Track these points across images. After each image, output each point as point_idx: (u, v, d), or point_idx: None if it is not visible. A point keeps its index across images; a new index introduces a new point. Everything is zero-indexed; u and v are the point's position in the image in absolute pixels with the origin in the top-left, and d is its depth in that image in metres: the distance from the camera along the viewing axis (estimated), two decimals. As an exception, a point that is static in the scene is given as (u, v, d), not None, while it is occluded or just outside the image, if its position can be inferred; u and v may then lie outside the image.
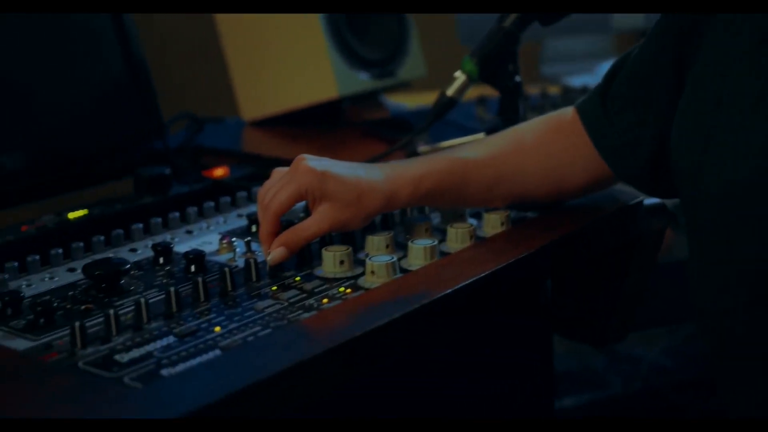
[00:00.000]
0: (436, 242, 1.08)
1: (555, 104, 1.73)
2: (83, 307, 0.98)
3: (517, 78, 1.36)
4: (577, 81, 2.03)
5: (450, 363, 1.12)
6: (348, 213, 1.06)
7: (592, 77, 2.07)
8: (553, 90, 1.87)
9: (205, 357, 0.87)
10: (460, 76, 1.36)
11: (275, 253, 1.05)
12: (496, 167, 1.14)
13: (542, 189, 1.16)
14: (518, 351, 1.20)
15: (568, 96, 1.79)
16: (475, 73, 1.34)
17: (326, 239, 1.11)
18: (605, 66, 2.16)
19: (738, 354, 0.99)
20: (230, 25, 1.70)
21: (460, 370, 1.14)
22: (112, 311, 0.91)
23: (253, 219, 1.19)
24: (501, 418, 1.14)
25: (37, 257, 1.07)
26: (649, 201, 1.23)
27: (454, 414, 1.13)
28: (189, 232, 1.19)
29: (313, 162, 1.07)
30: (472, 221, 1.17)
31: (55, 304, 0.96)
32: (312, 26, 1.61)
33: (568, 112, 1.18)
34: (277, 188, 1.07)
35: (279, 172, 1.12)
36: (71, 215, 1.25)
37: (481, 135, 1.40)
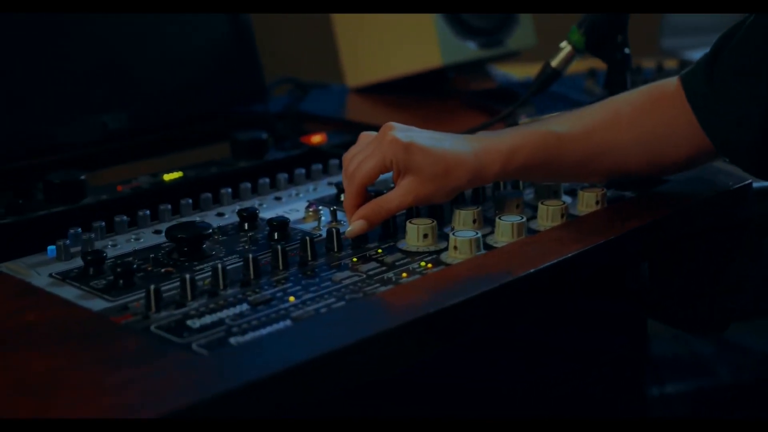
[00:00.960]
0: (524, 219, 1.04)
1: (668, 77, 1.65)
2: (163, 270, 0.98)
3: (626, 50, 1.30)
4: (697, 55, 1.94)
5: (534, 343, 1.09)
6: (433, 187, 1.03)
7: (714, 51, 1.98)
8: (670, 64, 1.79)
9: (274, 327, 0.86)
10: (565, 47, 1.31)
11: (354, 225, 1.03)
12: (591, 141, 1.09)
13: (640, 163, 1.10)
14: (607, 334, 1.16)
15: (683, 69, 1.71)
16: (581, 44, 1.29)
17: (413, 212, 1.08)
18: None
19: None
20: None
21: (544, 352, 1.10)
22: (188, 276, 0.91)
23: (341, 188, 1.17)
24: (586, 404, 1.10)
25: (125, 218, 1.08)
26: (758, 184, 1.16)
27: (535, 396, 1.10)
28: (278, 198, 1.19)
29: (399, 133, 1.04)
30: (566, 198, 1.13)
31: (136, 266, 0.96)
32: (418, -8, 1.58)
33: (671, 83, 1.12)
34: (361, 158, 1.05)
35: (366, 136, 1.09)
36: (166, 177, 1.26)
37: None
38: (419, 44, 1.60)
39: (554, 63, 1.32)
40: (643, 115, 1.10)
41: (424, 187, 1.03)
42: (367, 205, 1.04)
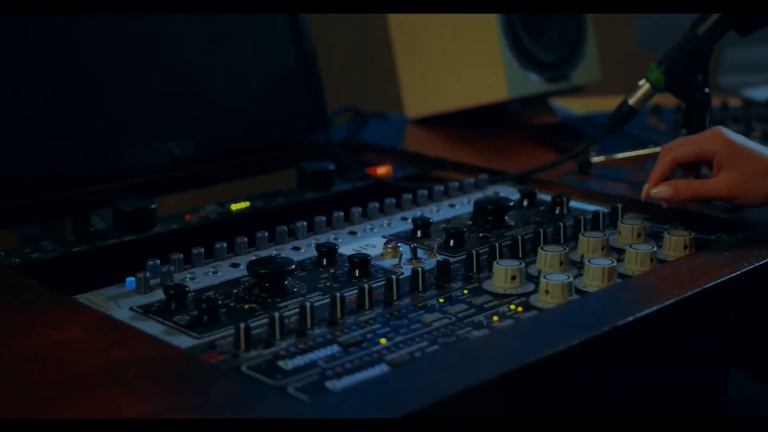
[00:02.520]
0: (614, 263, 1.01)
1: (736, 118, 1.63)
2: (247, 306, 0.95)
3: (707, 90, 1.27)
4: (758, 94, 1.91)
5: (618, 387, 1.05)
6: (750, 185, 1.07)
7: (774, 90, 1.95)
8: (734, 102, 1.76)
9: (371, 371, 0.83)
10: (644, 85, 1.28)
11: (662, 189, 1.09)
12: None
13: None
14: (692, 379, 1.13)
15: (749, 110, 1.68)
16: (661, 83, 1.26)
17: (500, 252, 1.05)
18: (789, 79, 2.05)
19: None
20: (401, 21, 1.67)
21: (628, 395, 1.07)
22: (277, 314, 0.88)
23: (418, 224, 1.15)
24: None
25: (202, 250, 1.05)
26: None
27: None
28: (352, 232, 1.16)
29: (726, 131, 1.10)
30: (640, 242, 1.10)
31: (220, 302, 0.93)
32: (487, 24, 1.55)
33: None
34: (686, 141, 1.11)
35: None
36: (234, 207, 1.24)
37: (658, 149, 1.32)
38: (485, 76, 1.57)
39: (632, 101, 1.29)
40: None
41: (741, 184, 1.07)
42: (683, 180, 1.11)
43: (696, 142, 1.11)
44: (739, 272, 1.00)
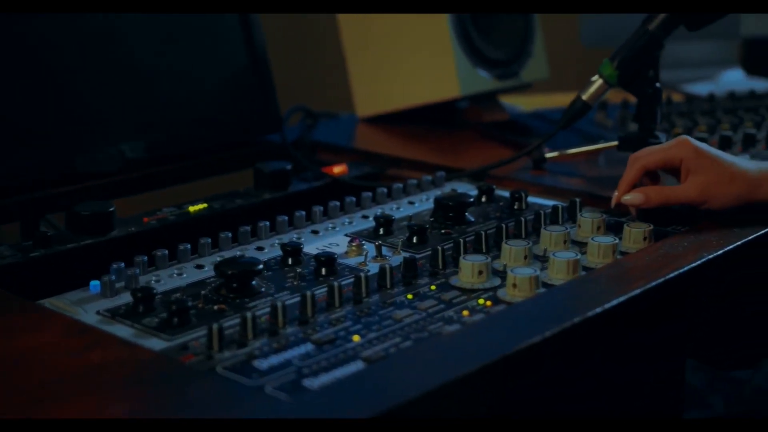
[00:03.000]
0: (579, 256, 1.02)
1: (681, 112, 1.66)
2: (216, 307, 0.94)
3: (657, 84, 1.29)
4: (698, 88, 1.95)
5: (587, 379, 1.07)
6: (717, 190, 1.11)
7: (714, 85, 1.99)
8: (677, 97, 1.79)
9: (348, 368, 0.82)
10: (596, 80, 1.30)
11: (634, 196, 1.12)
12: None
13: None
14: (651, 368, 1.14)
15: (693, 105, 1.72)
16: (613, 78, 1.28)
17: (465, 248, 1.06)
18: (728, 74, 2.10)
19: None
20: (350, 20, 1.67)
21: (596, 387, 1.08)
22: (249, 314, 0.88)
23: (381, 222, 1.15)
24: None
25: (166, 252, 1.04)
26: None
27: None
28: (315, 231, 1.16)
29: (692, 139, 1.13)
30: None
31: (189, 303, 0.92)
32: (438, 22, 1.56)
33: None
34: (653, 149, 1.14)
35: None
36: (192, 209, 1.23)
37: (614, 143, 1.34)
38: (437, 74, 1.58)
39: (585, 96, 1.31)
40: None
41: (708, 189, 1.11)
42: (652, 186, 1.14)
43: (664, 150, 1.14)
44: (699, 261, 1.02)
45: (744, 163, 1.13)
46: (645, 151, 1.16)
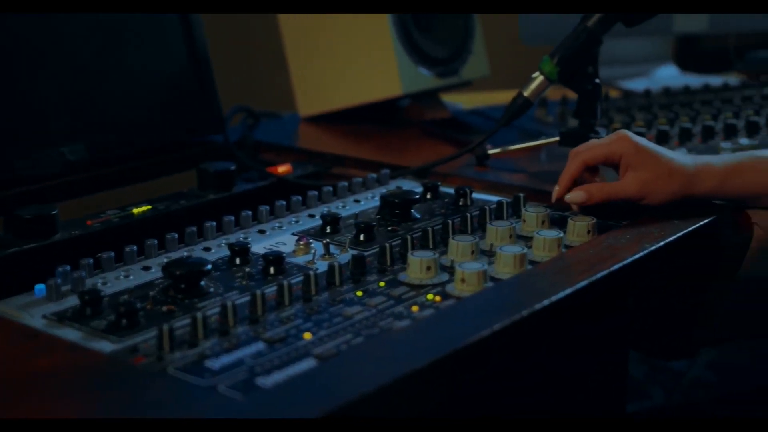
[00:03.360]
0: (525, 250, 1.04)
1: (619, 108, 1.69)
2: (165, 308, 0.94)
3: (597, 80, 1.31)
4: (634, 85, 1.99)
5: (534, 372, 1.08)
6: (655, 185, 1.13)
7: (648, 81, 2.03)
8: (614, 93, 1.82)
9: (300, 366, 0.83)
10: (537, 77, 1.32)
11: (576, 194, 1.14)
12: None
13: None
14: (596, 360, 1.17)
15: (630, 100, 1.75)
16: (554, 74, 1.30)
17: (412, 244, 1.07)
18: (662, 70, 2.14)
19: None
20: (291, 20, 1.67)
21: (543, 380, 1.10)
22: (200, 314, 0.87)
23: (327, 220, 1.15)
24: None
25: (112, 254, 1.03)
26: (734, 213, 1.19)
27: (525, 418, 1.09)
28: (262, 231, 1.15)
29: (632, 135, 1.15)
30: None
31: (138, 305, 0.91)
32: (378, 21, 1.57)
33: None
34: (595, 144, 1.16)
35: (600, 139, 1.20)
36: (136, 210, 1.22)
37: (555, 139, 1.36)
38: (378, 73, 1.59)
39: (527, 93, 1.33)
40: None
41: (648, 184, 1.13)
42: (591, 184, 1.15)
43: (604, 146, 1.15)
44: (641, 253, 1.04)
45: (682, 158, 1.16)
46: (585, 146, 1.18)
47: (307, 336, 0.89)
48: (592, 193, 1.15)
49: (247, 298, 0.94)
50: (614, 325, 1.18)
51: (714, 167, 1.15)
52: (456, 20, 1.67)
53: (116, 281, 1.00)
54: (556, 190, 1.17)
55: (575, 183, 1.18)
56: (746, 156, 1.18)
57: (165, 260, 1.03)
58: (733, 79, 2.02)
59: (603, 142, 1.16)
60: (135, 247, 1.05)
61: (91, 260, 1.01)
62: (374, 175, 1.33)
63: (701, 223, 1.14)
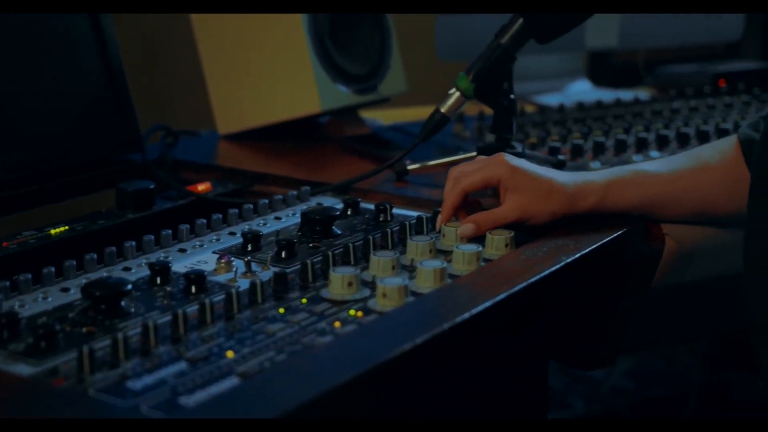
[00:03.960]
0: (445, 264, 1.05)
1: (534, 123, 1.72)
2: (84, 329, 0.93)
3: (512, 96, 1.34)
4: (548, 99, 2.03)
5: (454, 386, 1.10)
6: (536, 207, 1.14)
7: (562, 96, 2.07)
8: (530, 108, 1.86)
9: (223, 384, 0.83)
10: (454, 93, 1.34)
11: (466, 228, 1.13)
12: (679, 181, 1.20)
13: (726, 206, 1.20)
14: (516, 372, 1.19)
15: (545, 115, 1.78)
16: (470, 91, 1.32)
17: (334, 260, 1.08)
18: (575, 85, 2.19)
19: None
20: (209, 37, 1.66)
21: (463, 394, 1.12)
22: (120, 335, 0.87)
23: (248, 238, 1.15)
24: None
25: (30, 276, 1.02)
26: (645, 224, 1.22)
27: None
28: (182, 250, 1.15)
29: (508, 157, 1.16)
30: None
31: (57, 327, 0.90)
32: (296, 38, 1.57)
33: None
34: (471, 170, 1.16)
35: (480, 158, 1.21)
36: (53, 231, 1.20)
37: (473, 154, 1.38)
38: (297, 90, 1.59)
39: (443, 109, 1.35)
40: (730, 163, 1.20)
41: (528, 206, 1.14)
42: (478, 213, 1.15)
43: (482, 171, 1.16)
44: (559, 265, 1.07)
45: (561, 176, 1.17)
46: (463, 172, 1.18)
47: (230, 354, 0.89)
48: (480, 224, 1.14)
49: (168, 318, 0.94)
50: (532, 336, 1.20)
51: (594, 183, 1.17)
52: (373, 37, 1.68)
53: (34, 303, 0.99)
54: (439, 219, 1.17)
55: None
56: (628, 170, 1.20)
57: (84, 281, 1.02)
58: (643, 93, 2.08)
59: (480, 167, 1.17)
60: (53, 269, 1.04)
61: (8, 282, 1.00)
62: (295, 192, 1.33)
63: (615, 234, 1.17)
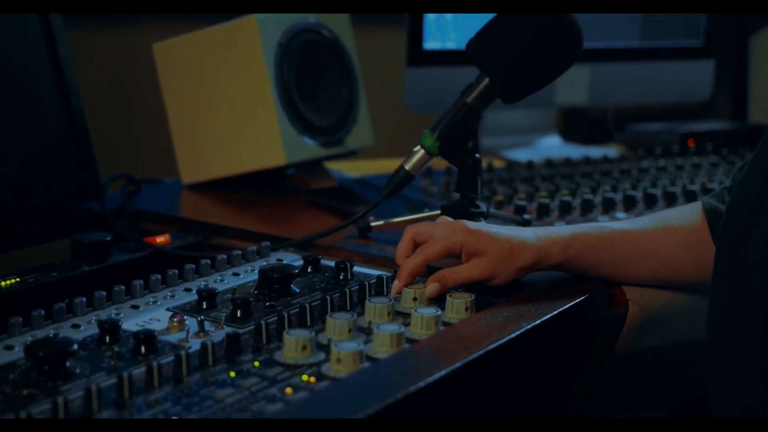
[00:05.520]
0: (402, 329, 1.03)
1: (502, 179, 1.71)
2: (25, 392, 0.90)
3: (477, 155, 1.32)
4: (517, 155, 2.02)
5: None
6: (499, 267, 1.14)
7: (532, 151, 2.07)
8: (498, 163, 1.85)
9: (165, 455, 0.80)
10: (418, 151, 1.32)
11: (432, 287, 1.13)
12: (644, 239, 1.19)
13: (688, 270, 1.20)
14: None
15: (513, 171, 1.77)
16: (435, 149, 1.31)
17: (289, 322, 1.05)
18: (546, 140, 2.18)
19: None
20: (174, 86, 1.65)
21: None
22: (61, 399, 0.84)
23: (203, 295, 1.12)
24: None
25: (-30, 332, 0.99)
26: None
27: None
28: (135, 306, 1.12)
29: (468, 223, 1.17)
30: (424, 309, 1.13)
31: (-5, 389, 0.87)
32: (262, 89, 1.56)
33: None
34: (434, 239, 1.16)
35: (443, 218, 1.22)
36: (3, 283, 1.17)
37: (437, 212, 1.36)
38: (262, 142, 1.58)
39: (408, 166, 1.33)
40: (695, 227, 1.20)
41: (489, 267, 1.14)
42: (440, 272, 1.14)
43: (443, 240, 1.15)
44: (519, 332, 1.05)
45: (523, 233, 1.17)
46: (420, 233, 1.18)
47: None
48: (442, 281, 1.14)
49: (114, 380, 0.91)
50: (492, 403, 1.18)
51: (558, 237, 1.17)
52: (340, 89, 1.67)
53: (-25, 362, 0.96)
54: (397, 286, 1.15)
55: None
56: (592, 225, 1.21)
57: (30, 339, 0.99)
58: (612, 150, 2.08)
59: (442, 238, 1.16)
60: (-2, 324, 1.01)
61: (-54, 340, 0.97)
62: (254, 248, 1.31)
63: (578, 300, 1.15)
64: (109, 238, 1.28)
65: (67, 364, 0.94)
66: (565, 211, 1.51)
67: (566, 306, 1.13)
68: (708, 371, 1.10)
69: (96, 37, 2.05)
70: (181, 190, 1.68)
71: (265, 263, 1.27)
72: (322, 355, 1.00)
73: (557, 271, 1.20)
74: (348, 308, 1.13)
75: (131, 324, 1.07)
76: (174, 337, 1.04)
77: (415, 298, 1.14)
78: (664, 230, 1.22)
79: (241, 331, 1.04)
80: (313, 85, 1.65)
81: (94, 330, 1.04)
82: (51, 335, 1.01)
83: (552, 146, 2.16)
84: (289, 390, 0.93)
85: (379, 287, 1.18)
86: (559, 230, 1.19)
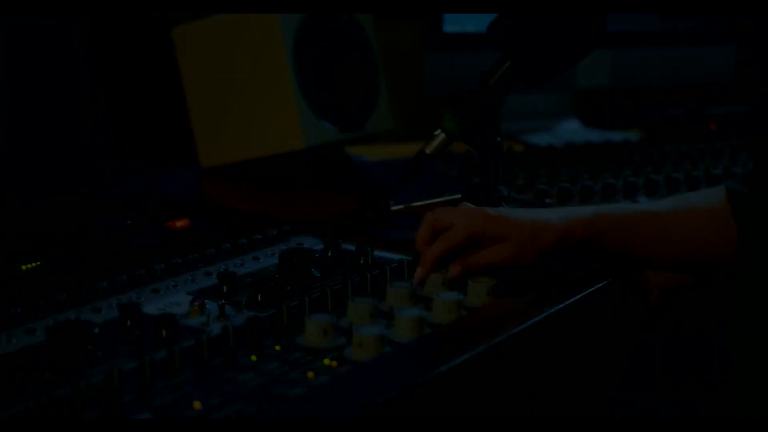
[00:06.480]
0: (424, 313, 1.02)
1: (523, 164, 1.70)
2: (47, 375, 0.89)
3: (498, 138, 1.31)
4: (538, 139, 2.00)
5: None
6: (521, 251, 1.13)
7: (552, 136, 2.05)
8: (518, 148, 1.84)
9: (188, 439, 0.80)
10: (439, 134, 1.31)
11: (454, 269, 1.12)
12: (667, 219, 1.19)
13: (711, 251, 1.19)
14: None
15: (533, 154, 1.76)
16: (455, 132, 1.30)
17: (311, 307, 1.05)
18: (566, 124, 2.16)
19: None
20: (193, 69, 1.64)
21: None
22: (83, 383, 0.84)
23: (224, 279, 1.12)
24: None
25: (-7, 314, 0.99)
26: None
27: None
28: (156, 290, 1.12)
29: (488, 209, 1.16)
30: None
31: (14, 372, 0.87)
32: (281, 73, 1.55)
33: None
34: (456, 226, 1.14)
35: (464, 205, 1.19)
36: (24, 267, 1.17)
37: (457, 196, 1.35)
38: (280, 126, 1.57)
39: (429, 150, 1.32)
40: (717, 209, 1.19)
41: (511, 252, 1.13)
42: (464, 257, 1.13)
43: (465, 228, 1.14)
44: (541, 316, 1.04)
45: (545, 214, 1.16)
46: (440, 220, 1.16)
47: (197, 405, 0.85)
48: (464, 265, 1.13)
49: (135, 364, 0.90)
50: (516, 390, 1.17)
51: (581, 216, 1.16)
52: (360, 73, 1.66)
53: (-2, 345, 0.96)
54: (420, 272, 1.13)
55: None
56: (615, 205, 1.23)
57: (52, 322, 0.99)
58: (633, 135, 2.06)
59: (465, 224, 1.14)
60: (19, 309, 1.01)
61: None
62: (274, 232, 1.30)
63: (600, 284, 1.14)
64: (129, 223, 1.28)
65: (89, 347, 0.94)
66: (587, 195, 1.50)
67: (589, 290, 1.12)
68: (734, 357, 1.10)
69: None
70: (199, 174, 1.67)
71: (285, 247, 1.27)
72: (343, 340, 0.99)
73: (580, 252, 1.19)
74: (369, 293, 1.12)
75: (152, 308, 1.07)
76: (195, 321, 1.04)
77: (444, 283, 1.13)
78: (687, 211, 1.21)
79: (261, 315, 1.04)
80: (332, 68, 1.64)
81: (115, 314, 1.04)
82: (72, 319, 1.01)
83: (571, 130, 2.14)
84: (310, 374, 0.92)
85: (400, 272, 1.17)
86: (582, 210, 1.18)
